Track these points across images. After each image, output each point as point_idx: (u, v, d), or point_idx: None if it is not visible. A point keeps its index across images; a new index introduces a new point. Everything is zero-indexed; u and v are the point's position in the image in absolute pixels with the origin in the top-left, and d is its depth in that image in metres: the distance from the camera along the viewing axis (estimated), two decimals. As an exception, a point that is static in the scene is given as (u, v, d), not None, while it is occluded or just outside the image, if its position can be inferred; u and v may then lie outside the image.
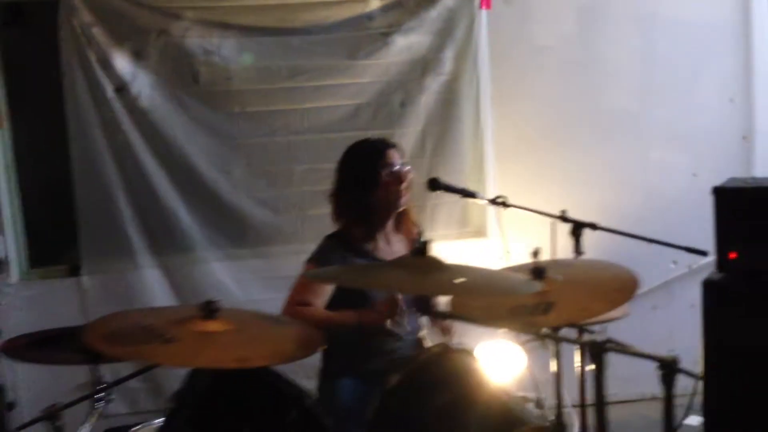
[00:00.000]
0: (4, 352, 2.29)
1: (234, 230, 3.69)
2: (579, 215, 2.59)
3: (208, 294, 3.45)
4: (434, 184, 2.68)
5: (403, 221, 2.69)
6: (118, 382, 2.10)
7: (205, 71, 3.59)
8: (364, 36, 3.68)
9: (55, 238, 3.75)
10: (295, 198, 3.71)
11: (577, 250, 2.50)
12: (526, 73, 3.83)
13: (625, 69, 3.92)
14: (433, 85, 3.75)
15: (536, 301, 1.94)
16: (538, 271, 2.07)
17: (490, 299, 1.93)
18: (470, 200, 3.63)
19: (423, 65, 3.74)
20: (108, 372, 3.51)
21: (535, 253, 2.27)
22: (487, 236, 3.82)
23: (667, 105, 3.95)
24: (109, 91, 3.49)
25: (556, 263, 2.28)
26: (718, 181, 2.45)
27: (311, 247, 3.69)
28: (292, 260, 3.68)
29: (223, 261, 3.68)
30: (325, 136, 3.69)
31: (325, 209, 3.69)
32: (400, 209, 2.63)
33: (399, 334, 2.50)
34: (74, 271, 3.61)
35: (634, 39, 3.92)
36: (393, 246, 2.65)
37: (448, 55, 3.74)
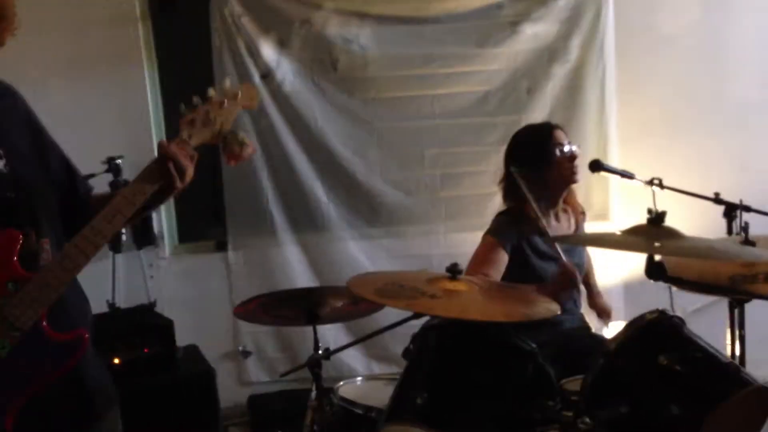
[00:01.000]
0: (238, 315, 2.48)
1: (368, 210, 3.89)
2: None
3: (344, 270, 3.74)
4: (596, 166, 2.78)
5: (569, 199, 2.82)
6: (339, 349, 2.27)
7: (343, 59, 3.79)
8: (493, 25, 3.82)
9: (203, 215, 4.01)
10: (425, 180, 3.89)
11: (730, 231, 2.60)
12: (652, 61, 3.90)
13: (750, 57, 3.98)
14: (560, 72, 3.87)
15: (751, 271, 2.04)
16: (750, 242, 2.12)
17: (707, 267, 2.04)
18: (593, 184, 3.81)
19: (550, 53, 3.86)
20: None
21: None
22: (610, 219, 3.94)
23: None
24: (256, 77, 3.72)
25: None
26: None
27: (440, 227, 3.94)
28: (422, 240, 3.95)
29: (358, 240, 3.88)
30: (454, 121, 3.86)
31: (454, 191, 3.94)
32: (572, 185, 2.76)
33: (568, 307, 2.63)
34: (221, 247, 3.87)
35: (760, 27, 3.97)
36: (562, 223, 2.78)
37: (575, 43, 3.85)
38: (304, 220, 3.85)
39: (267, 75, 3.74)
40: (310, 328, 2.41)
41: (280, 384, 3.64)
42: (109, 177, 3.53)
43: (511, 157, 2.80)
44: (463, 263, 2.42)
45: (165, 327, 3.32)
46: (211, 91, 1.77)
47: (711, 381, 1.73)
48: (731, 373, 1.76)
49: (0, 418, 1.52)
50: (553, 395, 1.77)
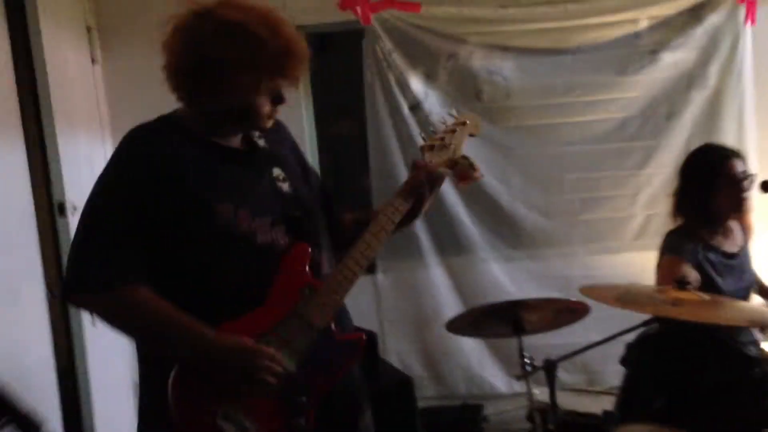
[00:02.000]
0: (449, 329, 2.69)
1: (510, 234, 4.05)
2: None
3: (488, 291, 3.90)
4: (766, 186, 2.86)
5: (741, 216, 2.91)
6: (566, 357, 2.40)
7: (487, 89, 3.98)
8: (632, 53, 3.95)
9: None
10: (565, 204, 4.03)
11: None
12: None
13: None
14: (698, 99, 3.96)
15: None
16: None
17: None
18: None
19: (688, 80, 3.96)
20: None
21: None
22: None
23: None
24: (405, 108, 3.94)
25: None
26: None
27: (579, 249, 4.06)
28: (562, 261, 4.08)
29: (501, 262, 4.04)
30: (594, 147, 4.00)
31: (593, 215, 4.05)
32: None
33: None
34: (370, 269, 4.08)
35: None
36: (735, 238, 2.87)
37: (713, 70, 3.94)
38: (449, 243, 4.03)
39: (415, 106, 3.96)
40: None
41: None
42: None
43: (683, 176, 2.90)
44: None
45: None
46: (448, 120, 1.98)
47: None
48: None
49: (305, 413, 1.74)
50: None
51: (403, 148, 3.95)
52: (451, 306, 3.93)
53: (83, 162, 3.62)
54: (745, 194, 2.81)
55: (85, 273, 1.73)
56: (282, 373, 1.72)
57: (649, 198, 3.98)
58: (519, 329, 2.48)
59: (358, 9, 3.92)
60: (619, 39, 3.94)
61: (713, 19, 3.91)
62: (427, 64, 3.97)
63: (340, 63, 4.11)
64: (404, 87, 3.95)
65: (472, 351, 4.02)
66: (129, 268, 1.71)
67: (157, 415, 1.77)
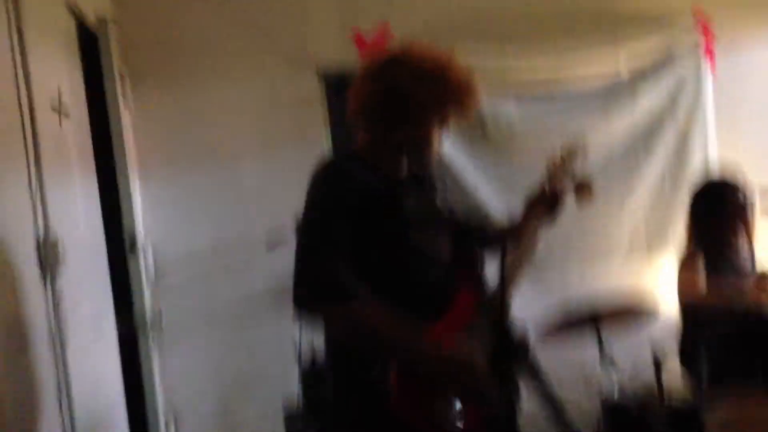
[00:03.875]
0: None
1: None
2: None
3: None
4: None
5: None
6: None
7: (492, 130, 4.43)
8: (615, 98, 4.52)
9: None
10: (563, 233, 4.47)
11: None
12: (742, 123, 4.65)
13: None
14: (669, 137, 4.57)
15: None
16: None
17: None
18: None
19: (660, 120, 4.55)
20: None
21: None
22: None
23: None
24: (419, 148, 4.32)
25: None
26: None
27: (576, 269, 4.54)
28: (562, 282, 4.54)
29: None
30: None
31: (586, 242, 4.55)
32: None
33: None
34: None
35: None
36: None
37: (681, 111, 4.54)
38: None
39: (430, 145, 4.34)
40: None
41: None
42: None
43: (692, 211, 3.44)
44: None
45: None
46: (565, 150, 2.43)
47: None
48: None
49: (493, 403, 2.08)
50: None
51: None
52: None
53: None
54: (749, 220, 3.38)
55: (319, 288, 1.99)
56: (483, 374, 2.05)
57: (635, 220, 4.54)
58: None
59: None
60: (604, 87, 4.49)
61: (679, 70, 4.53)
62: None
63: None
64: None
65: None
66: (356, 283, 2.00)
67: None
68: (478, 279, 2.24)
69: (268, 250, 3.99)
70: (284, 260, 3.99)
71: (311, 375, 3.51)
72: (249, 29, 4.23)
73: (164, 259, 4.14)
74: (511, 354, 1.54)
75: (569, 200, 2.60)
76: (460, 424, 2.04)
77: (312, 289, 2.01)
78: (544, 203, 2.42)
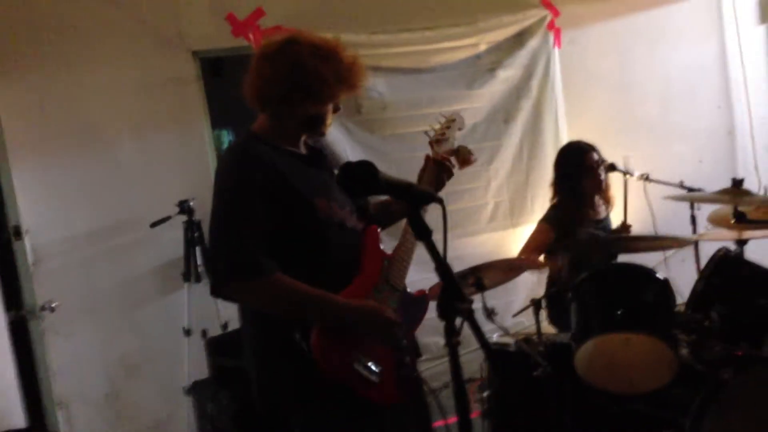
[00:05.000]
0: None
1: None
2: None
3: None
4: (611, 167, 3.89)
5: (605, 193, 3.89)
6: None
7: (366, 104, 4.64)
8: (476, 71, 4.86)
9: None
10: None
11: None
12: (585, 93, 5.14)
13: (649, 83, 5.34)
14: (525, 106, 4.98)
15: None
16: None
17: None
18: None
19: (517, 92, 4.96)
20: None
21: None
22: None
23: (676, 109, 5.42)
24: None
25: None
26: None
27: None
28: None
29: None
30: (452, 149, 4.83)
31: (455, 205, 4.89)
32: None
33: None
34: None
35: (654, 66, 5.36)
36: (599, 209, 3.84)
37: (534, 84, 4.98)
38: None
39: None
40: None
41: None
42: (183, 218, 4.13)
43: (556, 167, 3.83)
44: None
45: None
46: (443, 119, 2.66)
47: None
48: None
49: (408, 354, 2.29)
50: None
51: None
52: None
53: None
54: (602, 176, 3.80)
55: (237, 264, 2.13)
56: (398, 324, 2.27)
57: (497, 188, 4.92)
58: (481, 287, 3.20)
59: (251, 35, 4.37)
60: (465, 60, 4.83)
61: (532, 44, 4.95)
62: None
63: (235, 86, 4.50)
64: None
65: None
66: (269, 257, 2.16)
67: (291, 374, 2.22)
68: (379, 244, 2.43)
69: (151, 226, 4.02)
70: (167, 240, 4.15)
71: (219, 346, 3.60)
72: (120, 10, 4.18)
73: (41, 245, 4.05)
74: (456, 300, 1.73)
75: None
76: (377, 371, 2.25)
77: (229, 267, 2.14)
78: (432, 171, 2.59)
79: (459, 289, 1.75)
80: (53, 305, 3.33)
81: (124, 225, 4.24)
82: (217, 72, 4.48)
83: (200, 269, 4.18)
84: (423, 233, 1.81)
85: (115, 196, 4.22)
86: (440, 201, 1.90)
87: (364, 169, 1.82)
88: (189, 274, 4.18)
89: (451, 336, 1.73)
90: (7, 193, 3.37)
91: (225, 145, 4.97)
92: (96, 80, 4.18)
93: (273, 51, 2.31)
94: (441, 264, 1.77)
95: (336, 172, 2.45)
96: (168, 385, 4.21)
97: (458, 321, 1.75)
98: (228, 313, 4.23)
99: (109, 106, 4.22)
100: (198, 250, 4.12)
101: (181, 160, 4.34)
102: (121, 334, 4.25)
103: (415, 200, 1.87)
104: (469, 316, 1.78)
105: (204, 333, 4.07)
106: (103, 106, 4.21)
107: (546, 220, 3.80)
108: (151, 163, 4.26)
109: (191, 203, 4.14)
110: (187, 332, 4.16)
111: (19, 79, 4.02)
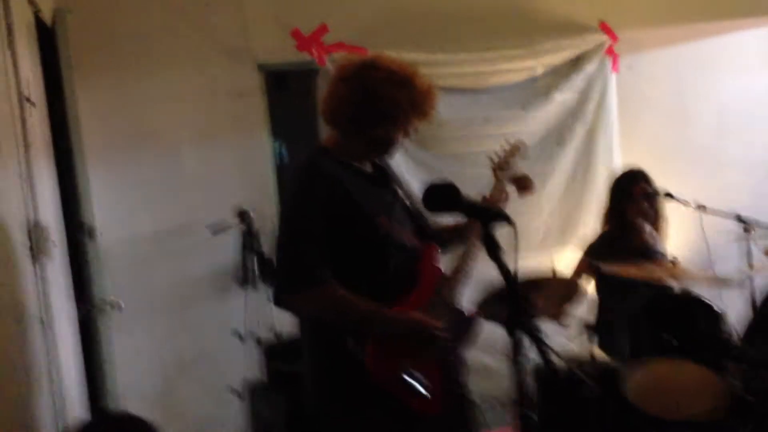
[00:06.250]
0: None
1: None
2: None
3: None
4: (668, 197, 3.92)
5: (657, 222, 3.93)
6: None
7: (422, 122, 4.73)
8: (531, 93, 4.91)
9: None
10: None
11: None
12: (640, 119, 5.16)
13: (704, 110, 5.34)
14: (579, 130, 5.00)
15: None
16: None
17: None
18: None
19: (572, 115, 4.98)
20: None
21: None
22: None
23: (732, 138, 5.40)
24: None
25: None
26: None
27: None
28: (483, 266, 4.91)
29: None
30: (504, 169, 4.89)
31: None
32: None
33: None
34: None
35: (710, 94, 5.35)
36: (653, 239, 3.87)
37: (590, 108, 5.00)
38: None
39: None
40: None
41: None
42: (242, 227, 4.26)
43: (608, 194, 3.88)
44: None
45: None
46: (507, 146, 2.73)
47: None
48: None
49: (455, 368, 2.38)
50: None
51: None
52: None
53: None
54: (653, 206, 3.84)
55: (297, 276, 2.25)
56: (445, 336, 2.36)
57: (549, 212, 4.95)
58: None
59: (314, 50, 4.51)
60: (522, 82, 4.89)
61: (589, 68, 4.97)
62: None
63: (297, 99, 4.65)
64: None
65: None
66: (327, 270, 2.26)
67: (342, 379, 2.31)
68: (437, 262, 2.52)
69: (213, 234, 4.15)
70: (224, 245, 4.28)
71: (275, 351, 3.72)
72: (191, 23, 4.35)
73: (108, 244, 4.22)
74: (521, 316, 1.81)
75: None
76: (425, 383, 2.34)
77: (289, 277, 2.26)
78: (494, 197, 2.68)
79: (526, 308, 1.84)
80: (121, 303, 3.47)
81: (184, 229, 4.39)
82: (281, 85, 4.61)
83: (256, 276, 4.31)
84: (495, 250, 1.89)
85: (177, 200, 4.38)
86: (512, 222, 1.98)
87: (449, 189, 1.89)
88: (246, 280, 4.30)
89: (517, 354, 1.80)
90: (84, 194, 3.52)
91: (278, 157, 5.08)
92: (165, 88, 4.35)
93: (350, 74, 2.42)
94: (510, 282, 1.85)
95: (398, 189, 2.56)
96: (217, 386, 4.34)
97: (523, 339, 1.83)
98: (282, 320, 4.37)
99: (175, 114, 4.39)
100: (255, 258, 4.25)
101: (241, 170, 4.49)
102: (176, 334, 4.40)
103: (489, 219, 1.95)
104: (535, 334, 1.85)
105: (258, 339, 4.19)
106: (169, 113, 4.39)
107: (588, 252, 3.85)
108: (213, 171, 4.42)
109: (252, 214, 4.27)
110: (241, 336, 4.28)
111: (95, 84, 4.21)
